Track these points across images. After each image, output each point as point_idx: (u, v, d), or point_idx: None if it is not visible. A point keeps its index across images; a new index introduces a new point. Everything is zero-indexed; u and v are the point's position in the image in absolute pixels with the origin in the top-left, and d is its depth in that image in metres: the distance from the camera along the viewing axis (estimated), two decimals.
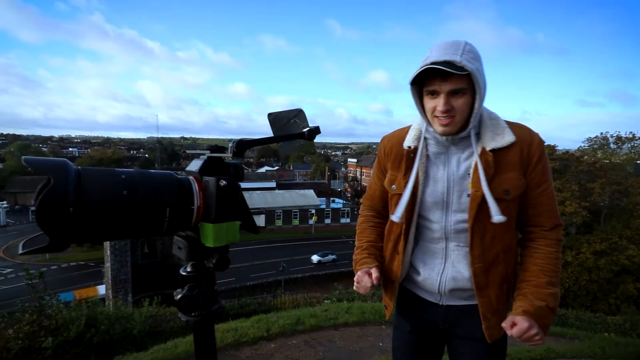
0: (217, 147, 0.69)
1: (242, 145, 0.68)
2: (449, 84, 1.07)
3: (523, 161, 1.15)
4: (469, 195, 1.17)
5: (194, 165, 0.68)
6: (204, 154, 0.70)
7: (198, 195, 0.64)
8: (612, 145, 25.03)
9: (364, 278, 1.20)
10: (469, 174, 1.17)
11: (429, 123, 1.17)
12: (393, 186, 1.29)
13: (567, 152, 24.12)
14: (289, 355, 3.56)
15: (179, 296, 0.64)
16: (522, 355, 3.58)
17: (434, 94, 1.11)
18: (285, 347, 3.75)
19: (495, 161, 1.13)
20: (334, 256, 32.68)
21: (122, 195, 0.54)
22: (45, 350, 5.20)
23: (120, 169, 0.57)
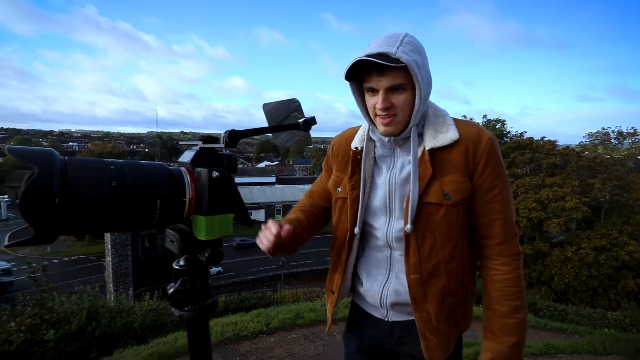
0: (209, 137, 0.68)
1: (235, 136, 0.66)
2: (385, 79, 0.98)
3: (468, 162, 1.03)
4: None
5: (186, 157, 0.67)
6: (196, 145, 0.68)
7: (190, 186, 0.62)
8: (613, 140, 25.00)
9: (268, 229, 1.02)
10: (409, 177, 1.08)
11: (371, 123, 1.08)
12: (338, 189, 1.19)
13: (567, 147, 24.06)
14: (288, 349, 3.58)
15: (171, 290, 0.62)
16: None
17: (373, 91, 1.01)
18: (285, 341, 3.77)
19: (434, 162, 1.04)
20: None
21: (111, 186, 0.53)
22: (47, 343, 5.23)
23: (109, 159, 0.55)
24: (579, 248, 18.38)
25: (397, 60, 0.93)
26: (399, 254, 1.12)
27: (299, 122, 0.83)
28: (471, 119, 23.69)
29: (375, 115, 1.04)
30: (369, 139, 1.14)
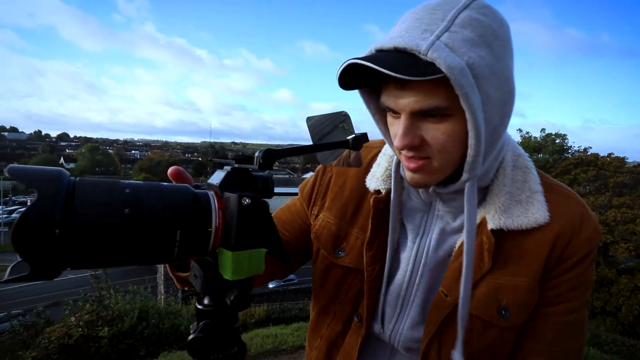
0: (243, 156, 0.59)
1: (270, 156, 0.57)
2: (410, 95, 0.56)
3: (550, 260, 0.64)
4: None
5: (216, 178, 0.57)
6: (228, 165, 0.59)
7: (217, 214, 0.52)
8: None
9: None
10: (450, 256, 0.69)
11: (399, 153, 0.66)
12: (339, 251, 0.76)
13: (638, 165, 21.93)
14: None
15: (190, 337, 0.53)
16: None
17: (395, 112, 0.61)
18: None
19: (497, 250, 0.64)
20: None
21: (123, 215, 0.45)
22: (102, 339, 5.57)
23: (127, 181, 0.48)
24: None
25: (428, 67, 0.51)
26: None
27: (348, 140, 0.65)
28: (527, 133, 22.41)
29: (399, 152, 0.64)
30: (398, 178, 0.72)
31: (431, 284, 0.70)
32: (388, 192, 0.72)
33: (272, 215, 0.93)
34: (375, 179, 0.75)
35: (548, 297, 0.66)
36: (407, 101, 0.56)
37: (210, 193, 0.54)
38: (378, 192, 0.74)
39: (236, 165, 0.58)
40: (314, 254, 0.82)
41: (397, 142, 0.59)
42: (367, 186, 0.76)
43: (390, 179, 0.72)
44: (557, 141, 23.33)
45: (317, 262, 0.80)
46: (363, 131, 0.67)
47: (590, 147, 22.13)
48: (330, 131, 0.69)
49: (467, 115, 0.53)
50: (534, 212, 0.64)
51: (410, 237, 0.72)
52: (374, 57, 0.54)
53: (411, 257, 0.71)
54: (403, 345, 0.72)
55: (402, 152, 0.62)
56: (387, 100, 0.60)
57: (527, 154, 0.71)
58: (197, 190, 0.54)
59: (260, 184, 0.58)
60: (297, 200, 0.88)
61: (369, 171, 0.77)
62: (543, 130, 23.84)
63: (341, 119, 0.67)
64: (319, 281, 0.80)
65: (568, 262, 0.65)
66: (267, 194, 0.59)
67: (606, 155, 20.80)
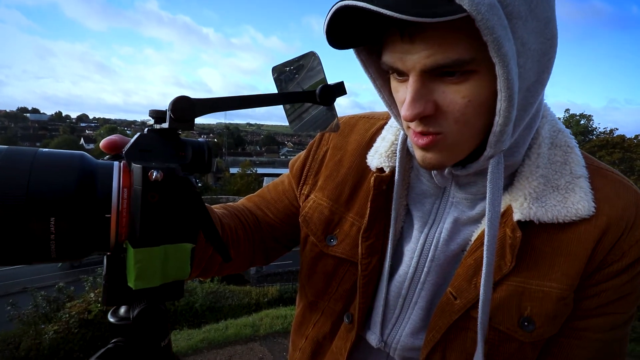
0: (161, 113, 0.42)
1: (187, 108, 0.40)
2: (421, 47, 0.43)
3: (593, 261, 0.52)
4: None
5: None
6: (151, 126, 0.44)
7: (119, 194, 0.38)
8: None
9: None
10: (464, 251, 0.58)
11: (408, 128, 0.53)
12: (331, 238, 0.65)
13: None
14: None
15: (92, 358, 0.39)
16: None
17: (401, 74, 0.48)
18: None
19: (524, 247, 0.53)
20: None
21: None
22: None
23: None
24: None
25: (445, 6, 0.38)
26: None
27: (315, 91, 0.47)
28: None
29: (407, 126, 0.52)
30: (406, 154, 0.60)
31: (439, 283, 0.58)
32: (393, 171, 0.60)
33: (257, 193, 0.79)
34: (378, 155, 0.62)
35: (585, 308, 0.53)
36: (416, 56, 0.43)
37: (116, 164, 0.40)
38: (381, 170, 0.61)
39: (156, 126, 0.42)
40: (301, 240, 0.70)
41: (404, 111, 0.46)
42: (369, 164, 0.63)
43: (396, 158, 0.60)
44: (582, 122, 22.48)
45: (305, 250, 0.69)
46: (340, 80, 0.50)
47: (617, 129, 21.33)
48: (298, 81, 0.51)
49: (498, 70, 0.40)
50: (575, 202, 0.51)
51: (416, 227, 0.60)
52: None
53: (416, 250, 0.59)
54: (400, 354, 0.62)
55: (410, 125, 0.49)
56: (390, 57, 0.47)
57: (569, 130, 0.58)
58: (97, 161, 0.40)
59: (191, 152, 0.43)
60: (286, 178, 0.76)
61: (372, 146, 0.64)
62: (567, 110, 23.01)
63: (308, 63, 0.50)
64: (307, 272, 0.69)
65: (615, 266, 0.51)
66: (201, 167, 0.43)
67: (633, 137, 20.00)
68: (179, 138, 0.43)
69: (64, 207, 0.36)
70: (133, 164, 0.39)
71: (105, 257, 0.42)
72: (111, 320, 0.42)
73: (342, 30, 0.47)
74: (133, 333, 0.41)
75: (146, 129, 0.43)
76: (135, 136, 0.42)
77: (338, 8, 0.43)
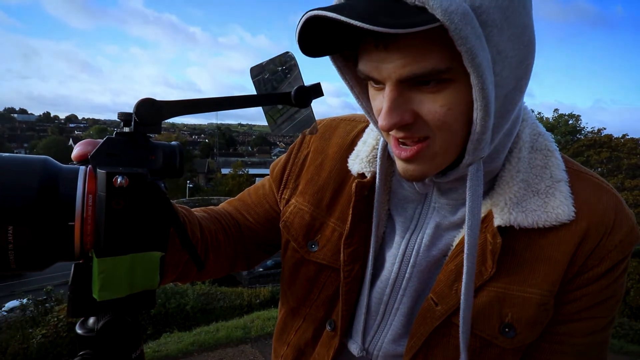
0: (130, 116, 0.40)
1: (153, 112, 0.38)
2: (396, 56, 0.42)
3: (573, 265, 0.52)
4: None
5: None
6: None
7: (83, 200, 0.37)
8: None
9: None
10: (445, 256, 0.57)
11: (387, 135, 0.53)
12: (312, 244, 0.64)
13: None
14: None
15: None
16: None
17: (377, 82, 0.47)
18: None
19: (505, 252, 0.52)
20: None
21: None
22: None
23: None
24: None
25: (419, 15, 0.38)
26: None
27: (291, 93, 0.45)
28: (539, 113, 21.89)
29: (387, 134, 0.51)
30: (387, 159, 0.59)
31: (420, 288, 0.58)
32: (374, 176, 0.59)
33: (238, 197, 0.77)
34: (359, 160, 0.61)
35: (565, 312, 0.53)
36: (392, 66, 0.43)
37: (82, 169, 0.38)
38: (362, 175, 0.61)
39: (125, 129, 0.40)
40: (282, 245, 0.70)
41: (381, 120, 0.45)
42: (350, 168, 0.62)
43: (376, 163, 0.59)
44: (571, 122, 22.81)
45: (287, 256, 0.68)
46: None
47: (604, 128, 21.69)
48: (273, 82, 0.49)
49: (473, 80, 0.40)
50: (555, 207, 0.51)
51: (398, 232, 0.60)
52: (342, 6, 0.41)
53: (398, 256, 0.59)
54: (383, 357, 0.61)
55: (390, 133, 0.48)
56: (366, 66, 0.46)
57: (549, 134, 0.57)
58: (62, 166, 0.39)
59: (162, 156, 0.41)
60: (267, 181, 0.74)
61: (353, 150, 0.64)
62: (556, 110, 23.31)
63: (284, 63, 0.48)
64: (288, 278, 0.68)
65: (595, 271, 0.52)
66: (172, 171, 0.42)
67: (620, 136, 20.38)
68: (149, 141, 0.42)
69: (23, 215, 0.34)
70: (98, 169, 0.37)
71: (72, 265, 0.40)
72: (79, 331, 0.40)
73: (315, 38, 0.46)
74: (99, 345, 0.39)
75: (115, 132, 0.41)
76: (102, 140, 0.40)
77: (308, 18, 0.42)
